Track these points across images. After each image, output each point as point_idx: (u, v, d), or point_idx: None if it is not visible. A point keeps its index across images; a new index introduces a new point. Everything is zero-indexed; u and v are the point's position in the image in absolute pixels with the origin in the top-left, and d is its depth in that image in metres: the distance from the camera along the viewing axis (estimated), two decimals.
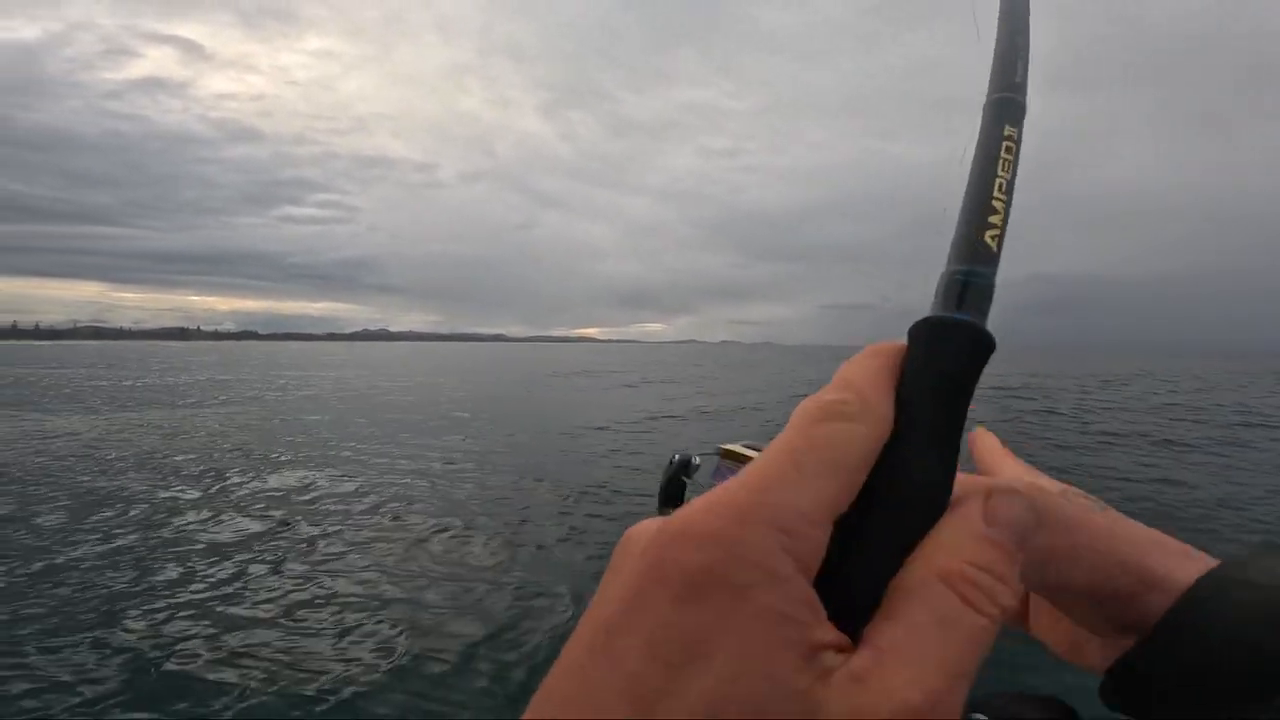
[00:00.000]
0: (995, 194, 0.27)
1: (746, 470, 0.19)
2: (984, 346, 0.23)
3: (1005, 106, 0.31)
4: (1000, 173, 0.28)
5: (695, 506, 0.18)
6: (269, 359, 55.06)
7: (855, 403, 0.20)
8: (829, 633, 0.18)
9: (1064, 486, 0.33)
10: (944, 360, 0.22)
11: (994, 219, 0.26)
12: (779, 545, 0.17)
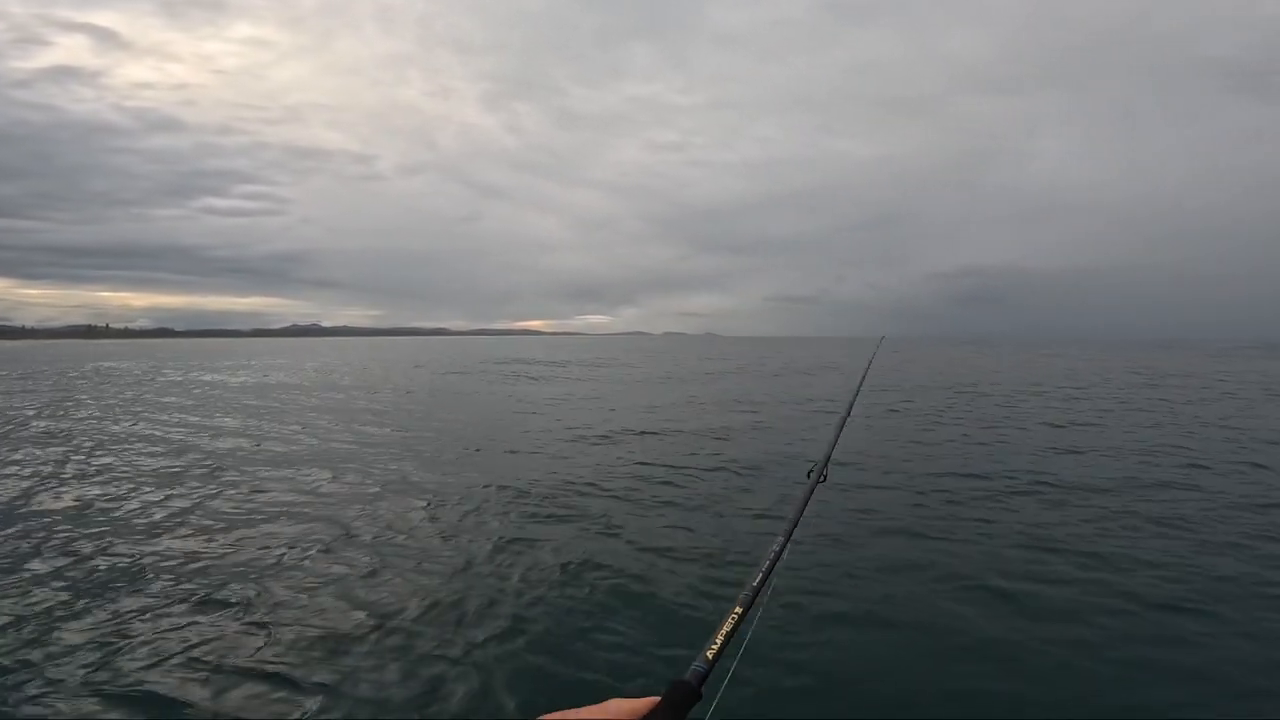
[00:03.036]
0: None
1: None
2: (692, 696, 0.48)
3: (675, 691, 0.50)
4: None
5: None
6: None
7: (614, 709, 0.42)
8: None
9: None
10: (673, 696, 0.47)
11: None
12: None
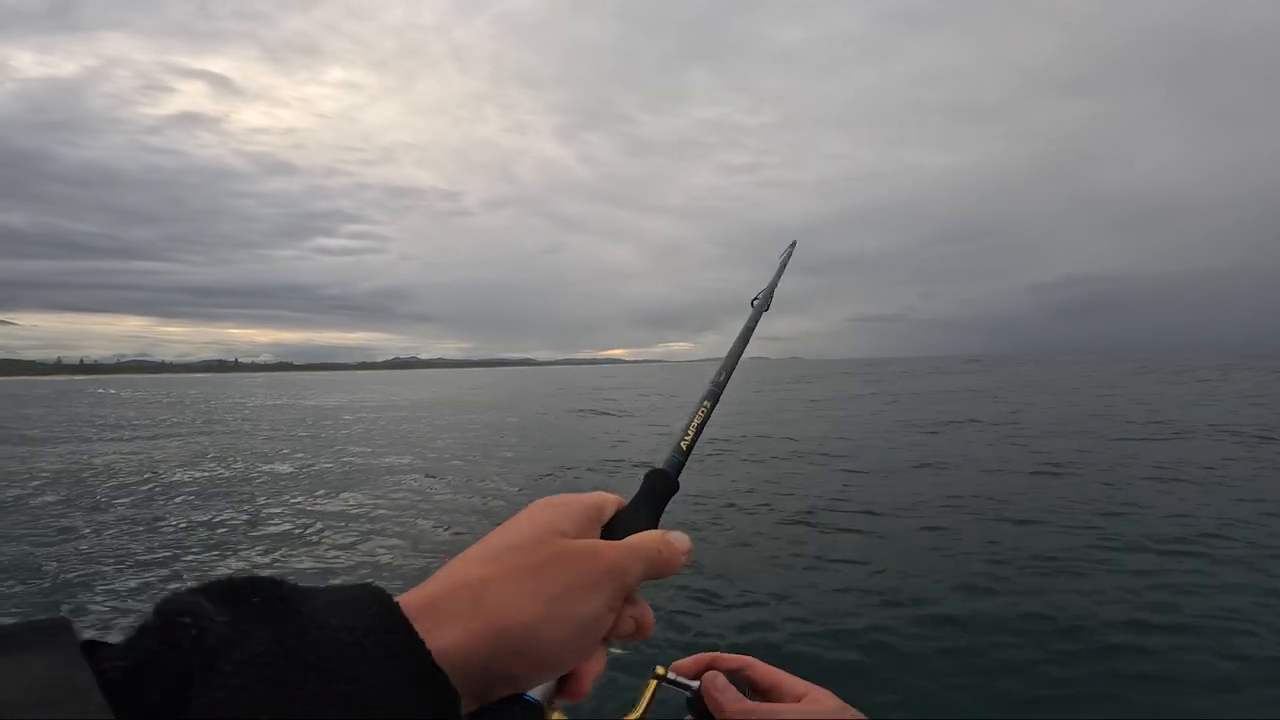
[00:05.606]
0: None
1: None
2: (670, 485, 0.54)
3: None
4: None
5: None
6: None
7: (602, 497, 0.48)
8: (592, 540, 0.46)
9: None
10: (652, 480, 0.53)
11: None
12: (562, 533, 0.40)
